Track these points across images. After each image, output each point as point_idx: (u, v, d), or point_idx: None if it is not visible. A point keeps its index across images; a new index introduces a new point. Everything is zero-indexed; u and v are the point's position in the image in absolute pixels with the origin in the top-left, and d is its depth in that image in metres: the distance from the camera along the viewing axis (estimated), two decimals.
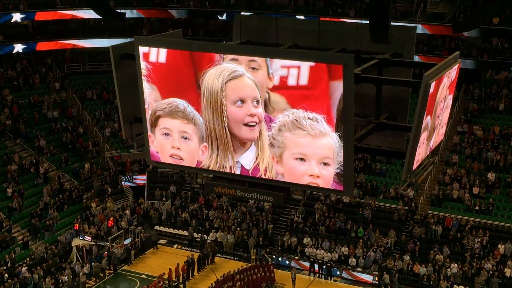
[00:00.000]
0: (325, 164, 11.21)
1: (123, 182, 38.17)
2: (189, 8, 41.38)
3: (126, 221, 34.32)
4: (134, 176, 38.14)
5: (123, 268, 31.95)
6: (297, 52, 11.98)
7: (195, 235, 34.23)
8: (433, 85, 11.03)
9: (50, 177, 36.36)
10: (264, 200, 13.63)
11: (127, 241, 32.95)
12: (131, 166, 38.54)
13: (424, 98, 10.97)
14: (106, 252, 31.81)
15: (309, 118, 10.96)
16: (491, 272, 29.44)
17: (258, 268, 30.35)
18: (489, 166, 34.49)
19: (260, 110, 11.37)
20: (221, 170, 12.48)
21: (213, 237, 33.77)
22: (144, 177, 38.26)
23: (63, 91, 41.91)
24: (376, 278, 30.40)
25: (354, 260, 31.33)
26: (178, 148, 12.47)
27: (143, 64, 12.48)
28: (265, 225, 34.05)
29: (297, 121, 11.08)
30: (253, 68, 11.22)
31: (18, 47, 39.27)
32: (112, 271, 31.42)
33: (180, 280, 30.11)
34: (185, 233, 34.66)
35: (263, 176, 11.99)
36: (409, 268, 30.58)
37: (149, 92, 12.54)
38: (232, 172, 12.34)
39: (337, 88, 10.75)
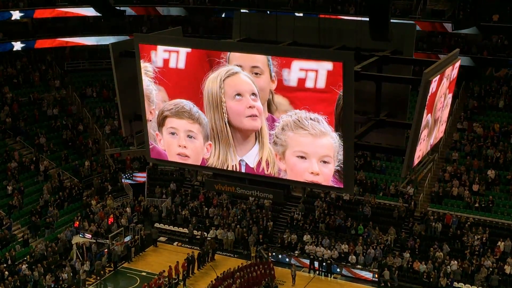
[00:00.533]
0: (325, 162, 11.48)
1: (123, 180, 38.22)
2: (188, 5, 41.34)
3: (126, 219, 34.35)
4: (134, 174, 38.21)
5: (123, 265, 31.99)
6: (297, 50, 12.02)
7: (195, 232, 34.26)
8: (433, 82, 11.04)
9: (50, 174, 36.38)
10: (264, 198, 13.74)
11: (127, 239, 32.98)
12: (131, 163, 38.58)
13: (424, 96, 10.99)
14: (106, 250, 31.84)
15: (310, 119, 11.25)
16: (491, 269, 29.48)
17: (258, 265, 30.38)
18: (489, 163, 34.51)
19: (259, 103, 11.65)
20: (224, 168, 12.61)
21: (213, 234, 33.81)
22: (144, 174, 38.31)
23: (63, 89, 41.93)
24: (376, 275, 30.44)
25: (354, 257, 31.36)
26: (185, 147, 12.77)
27: (150, 67, 12.61)
28: (265, 223, 34.08)
29: (299, 121, 11.38)
30: (256, 74, 11.50)
31: (17, 45, 39.23)
32: (112, 269, 31.46)
33: (180, 278, 30.14)
34: (185, 230, 34.69)
35: (265, 171, 12.18)
36: (409, 265, 30.63)
37: (156, 93, 12.75)
38: (237, 170, 12.52)
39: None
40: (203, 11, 41.66)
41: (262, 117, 11.75)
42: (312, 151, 11.45)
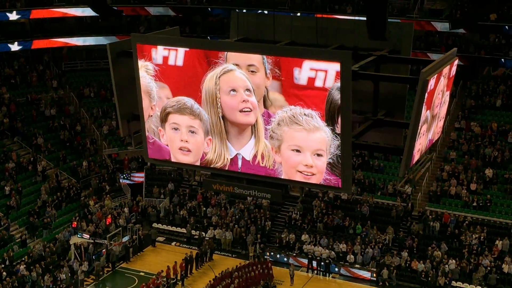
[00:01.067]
0: (318, 155, 11.82)
1: (121, 180, 38.19)
2: (186, 5, 41.33)
3: (124, 219, 34.34)
4: (132, 174, 38.16)
5: (121, 265, 31.98)
6: (294, 49, 12.08)
7: (193, 232, 34.27)
8: (430, 81, 11.07)
9: (48, 175, 36.35)
10: (262, 197, 13.86)
11: (125, 239, 32.97)
12: (129, 163, 38.54)
13: (421, 95, 11.02)
14: (104, 250, 31.82)
15: (305, 114, 11.58)
16: (489, 268, 29.53)
17: (256, 265, 30.39)
18: (486, 162, 34.55)
19: (253, 99, 11.99)
20: (221, 161, 12.83)
21: (211, 234, 33.81)
22: (142, 174, 38.28)
23: (61, 89, 41.89)
24: (374, 275, 30.48)
25: (352, 256, 31.38)
26: (186, 141, 13.14)
27: (150, 65, 12.75)
28: (263, 222, 34.09)
29: (294, 117, 11.72)
30: (252, 71, 11.84)
31: (14, 46, 39.16)
32: (110, 269, 31.44)
33: (178, 278, 30.16)
34: (183, 230, 34.68)
35: (261, 163, 12.45)
36: (407, 265, 30.66)
37: (158, 90, 13.00)
38: (235, 163, 12.77)
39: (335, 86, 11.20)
40: (199, 11, 41.63)
41: (256, 112, 12.06)
42: (306, 145, 11.78)
